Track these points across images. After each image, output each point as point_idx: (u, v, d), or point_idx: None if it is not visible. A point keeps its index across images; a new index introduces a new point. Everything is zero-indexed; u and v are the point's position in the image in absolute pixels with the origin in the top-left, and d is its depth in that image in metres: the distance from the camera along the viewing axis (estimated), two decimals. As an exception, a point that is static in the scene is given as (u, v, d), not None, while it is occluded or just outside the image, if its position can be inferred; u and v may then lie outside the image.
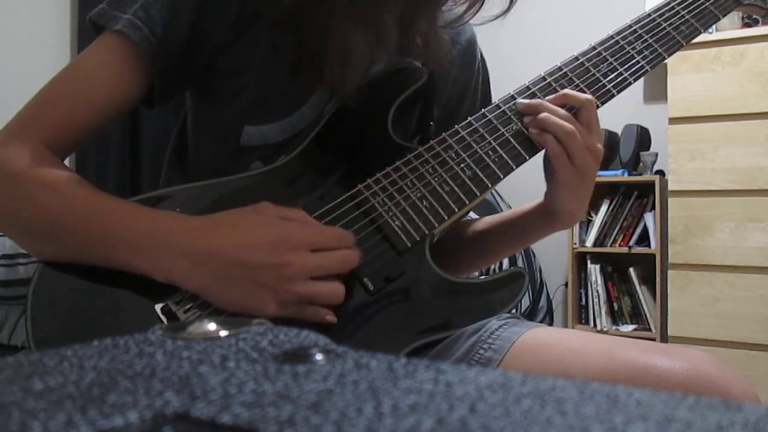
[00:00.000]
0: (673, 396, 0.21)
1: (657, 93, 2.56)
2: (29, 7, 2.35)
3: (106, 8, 0.71)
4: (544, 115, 0.71)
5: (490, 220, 0.87)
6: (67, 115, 0.70)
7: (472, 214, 0.98)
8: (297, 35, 0.72)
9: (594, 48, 0.78)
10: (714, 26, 2.40)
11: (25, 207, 0.65)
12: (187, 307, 0.62)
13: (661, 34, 0.80)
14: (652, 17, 0.81)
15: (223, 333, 0.30)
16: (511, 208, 0.99)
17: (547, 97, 0.74)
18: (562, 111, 0.72)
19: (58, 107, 0.70)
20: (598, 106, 0.75)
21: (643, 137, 2.75)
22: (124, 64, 0.70)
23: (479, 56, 0.91)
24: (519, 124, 0.74)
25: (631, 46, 0.78)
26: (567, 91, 0.74)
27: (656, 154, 2.72)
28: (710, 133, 2.30)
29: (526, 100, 0.74)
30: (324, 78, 0.72)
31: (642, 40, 0.79)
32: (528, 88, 0.76)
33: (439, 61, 0.80)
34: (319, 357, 0.27)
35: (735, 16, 2.41)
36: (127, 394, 0.22)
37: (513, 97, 0.75)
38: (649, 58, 0.78)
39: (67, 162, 0.71)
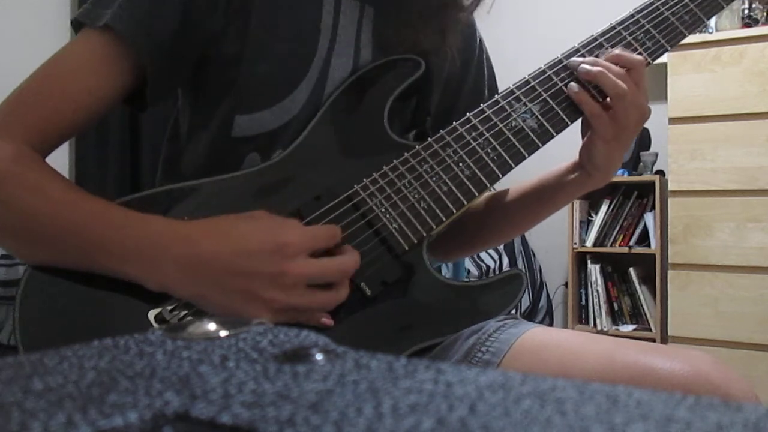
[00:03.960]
0: (673, 396, 0.21)
1: (657, 93, 2.56)
2: (29, 6, 2.35)
3: (90, 8, 0.69)
4: (598, 69, 0.72)
5: (515, 189, 0.86)
6: (49, 113, 0.67)
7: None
8: None
9: (595, 39, 0.77)
10: (714, 26, 2.40)
11: (12, 211, 0.63)
12: (182, 314, 0.61)
13: (663, 24, 0.78)
14: (654, 5, 0.79)
15: (223, 333, 0.30)
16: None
17: (602, 56, 0.74)
18: (616, 68, 0.72)
19: (40, 105, 0.68)
20: (647, 64, 0.76)
21: (643, 137, 2.75)
22: (110, 59, 0.68)
23: (478, 35, 0.90)
24: (519, 120, 0.73)
25: (633, 37, 0.77)
26: (620, 51, 0.74)
27: (656, 154, 2.72)
28: (710, 133, 2.30)
29: (581, 58, 0.74)
30: None
31: (644, 30, 0.77)
32: (528, 81, 0.74)
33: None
34: (319, 357, 0.27)
35: (735, 16, 2.41)
36: (127, 394, 0.22)
37: (512, 92, 0.74)
38: (651, 50, 0.77)
39: (66, 162, 0.70)
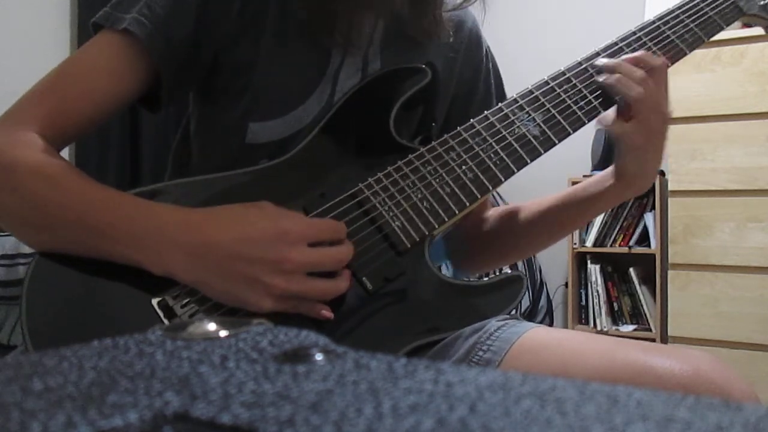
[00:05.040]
0: (673, 396, 0.21)
1: (657, 93, 2.56)
2: (29, 7, 2.35)
3: (110, 11, 0.72)
4: (617, 76, 0.73)
5: (552, 198, 0.86)
6: (66, 109, 0.70)
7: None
8: None
9: (598, 54, 0.78)
10: (714, 26, 2.40)
11: (22, 197, 0.65)
12: (185, 301, 0.62)
13: (664, 42, 0.80)
14: (656, 24, 0.81)
15: (223, 333, 0.30)
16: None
17: (624, 57, 0.76)
18: (637, 72, 0.73)
19: (58, 100, 0.70)
20: (668, 66, 0.78)
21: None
22: (128, 61, 0.71)
23: (485, 44, 0.91)
24: (522, 128, 0.74)
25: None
26: (642, 53, 0.76)
27: (656, 154, 2.72)
28: (710, 133, 2.30)
29: (606, 59, 0.76)
30: (334, 38, 0.75)
31: (646, 47, 0.79)
32: (531, 92, 0.76)
33: (444, 50, 0.83)
34: (319, 357, 0.27)
35: (735, 16, 2.40)
36: (127, 394, 0.22)
37: (516, 101, 0.75)
38: None
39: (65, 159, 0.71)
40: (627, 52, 0.78)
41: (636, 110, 0.72)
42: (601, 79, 0.75)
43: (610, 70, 0.75)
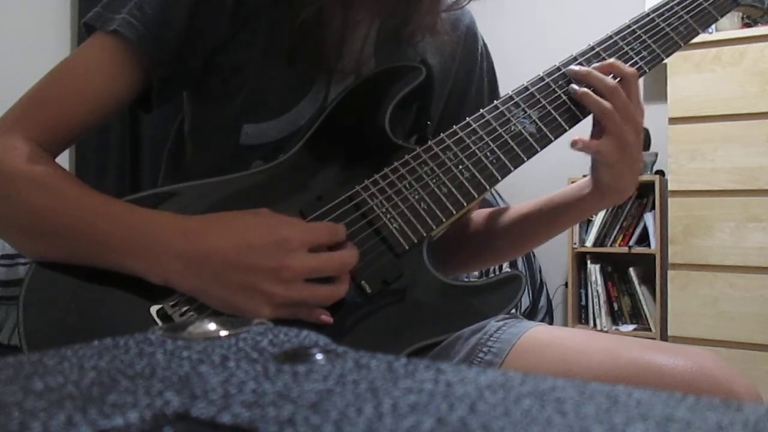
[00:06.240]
0: (673, 396, 0.21)
1: (657, 93, 2.56)
2: (29, 7, 2.35)
3: (102, 11, 0.71)
4: (582, 90, 0.73)
5: (531, 203, 0.86)
6: (59, 113, 0.69)
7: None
8: (295, 18, 0.72)
9: (592, 48, 0.78)
10: (714, 26, 2.40)
11: (17, 206, 0.64)
12: (183, 310, 0.62)
13: (659, 35, 0.80)
14: (650, 17, 0.80)
15: (223, 333, 0.30)
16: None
17: (594, 65, 0.75)
18: (608, 82, 0.72)
19: (51, 105, 0.69)
20: (643, 73, 0.76)
21: (643, 137, 2.74)
22: (119, 63, 0.70)
23: (481, 41, 0.91)
24: (518, 125, 0.74)
25: (630, 47, 0.78)
26: (613, 60, 0.75)
27: (656, 154, 2.72)
28: (710, 133, 2.30)
29: (577, 67, 0.75)
30: (322, 62, 0.73)
31: (640, 40, 0.79)
32: (526, 88, 0.75)
33: (441, 49, 0.82)
34: (319, 357, 0.27)
35: (735, 16, 2.41)
36: (127, 394, 0.22)
37: (511, 98, 0.75)
38: (647, 59, 0.78)
39: (66, 162, 0.71)
40: (621, 45, 0.78)
41: (604, 124, 0.72)
42: (571, 90, 0.74)
43: (581, 79, 0.74)
